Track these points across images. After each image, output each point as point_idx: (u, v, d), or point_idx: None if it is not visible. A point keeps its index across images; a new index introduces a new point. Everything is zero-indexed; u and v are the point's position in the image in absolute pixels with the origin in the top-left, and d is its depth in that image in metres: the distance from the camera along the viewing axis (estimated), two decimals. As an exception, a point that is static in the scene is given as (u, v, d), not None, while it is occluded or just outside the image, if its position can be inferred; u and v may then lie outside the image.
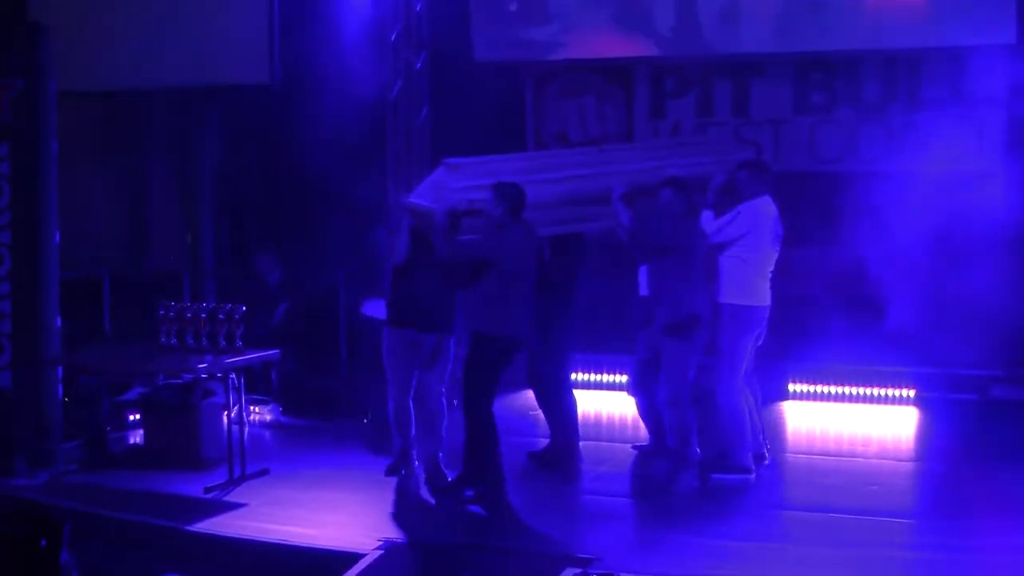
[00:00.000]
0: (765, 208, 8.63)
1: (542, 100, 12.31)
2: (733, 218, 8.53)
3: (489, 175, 8.24)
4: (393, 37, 12.02)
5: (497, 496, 8.06)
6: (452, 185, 8.15)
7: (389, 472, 8.76)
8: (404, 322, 8.50)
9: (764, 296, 8.63)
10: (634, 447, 9.44)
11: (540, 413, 9.30)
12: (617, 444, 9.71)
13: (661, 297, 8.55)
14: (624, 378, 11.20)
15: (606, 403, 11.10)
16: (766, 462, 8.89)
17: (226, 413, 9.10)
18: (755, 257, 8.57)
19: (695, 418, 8.68)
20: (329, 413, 10.82)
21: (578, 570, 6.63)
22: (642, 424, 9.33)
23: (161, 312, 9.33)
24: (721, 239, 8.54)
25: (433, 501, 8.32)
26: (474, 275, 8.05)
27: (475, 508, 8.06)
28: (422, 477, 8.64)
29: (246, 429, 9.12)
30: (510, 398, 10.74)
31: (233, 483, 8.72)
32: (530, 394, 9.43)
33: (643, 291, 8.91)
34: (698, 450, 8.77)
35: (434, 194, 8.24)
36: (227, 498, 8.48)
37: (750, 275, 8.57)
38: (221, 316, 9.11)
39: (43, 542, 3.77)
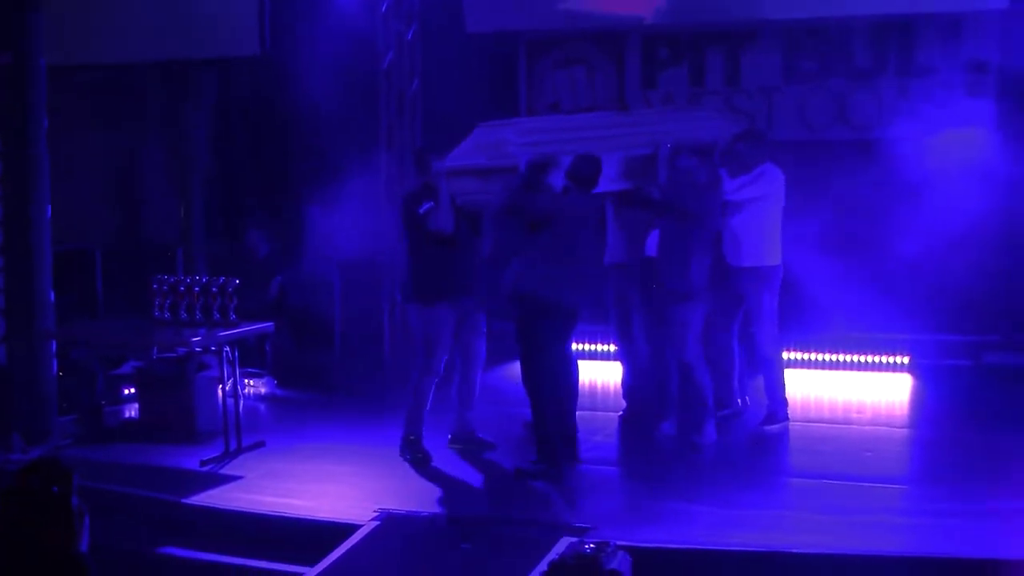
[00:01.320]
0: (779, 172, 8.99)
1: (535, 71, 12.27)
2: (756, 178, 8.82)
3: (542, 131, 8.23)
4: (384, 7, 11.96)
5: (555, 469, 8.02)
6: (515, 140, 8.06)
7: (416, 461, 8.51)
8: (458, 294, 8.41)
9: (780, 254, 9.04)
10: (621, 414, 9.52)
11: None
12: (611, 413, 9.71)
13: (673, 261, 8.59)
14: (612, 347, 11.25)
15: (596, 373, 11.09)
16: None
17: (221, 386, 9.10)
18: (777, 218, 8.95)
19: (709, 377, 8.84)
20: (324, 386, 10.83)
21: (575, 539, 6.64)
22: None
23: (155, 286, 9.32)
24: (740, 197, 8.79)
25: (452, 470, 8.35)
26: (534, 233, 7.90)
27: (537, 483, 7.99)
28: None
29: (241, 402, 9.11)
30: (508, 367, 10.76)
31: (229, 456, 8.74)
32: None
33: (650, 252, 8.93)
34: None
35: (492, 152, 8.13)
36: (223, 471, 8.49)
37: (775, 235, 8.95)
38: (214, 289, 9.11)
39: (55, 489, 3.96)
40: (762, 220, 8.90)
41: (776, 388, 9.19)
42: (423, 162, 8.48)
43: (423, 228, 8.31)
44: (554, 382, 8.09)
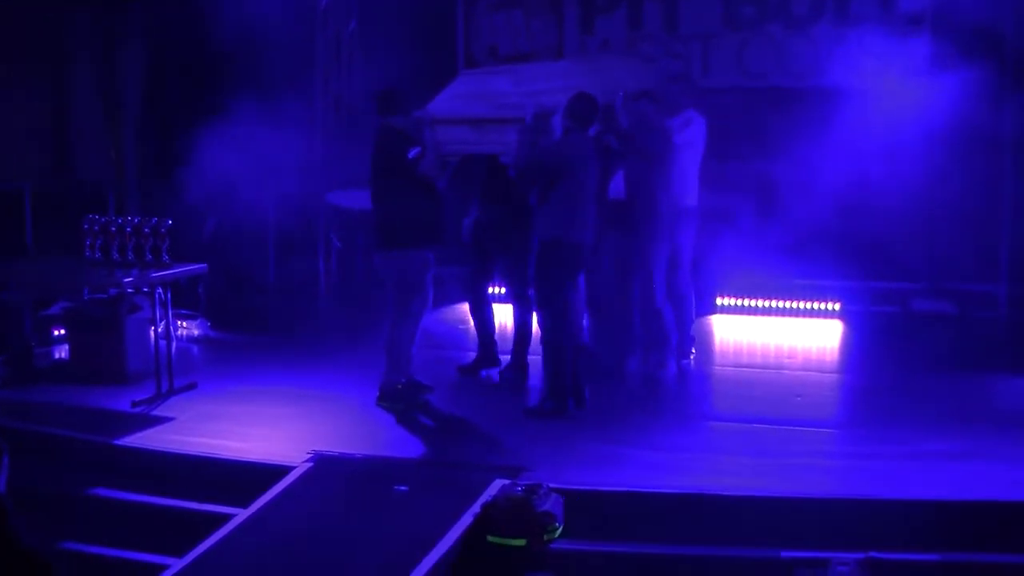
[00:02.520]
0: (702, 119, 9.12)
1: (472, 13, 12.18)
2: (686, 123, 9.00)
3: (536, 80, 8.25)
4: (321, -54, 11.84)
5: (559, 407, 8.18)
6: (515, 91, 8.06)
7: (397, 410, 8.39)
8: (437, 240, 8.37)
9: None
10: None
11: (470, 326, 9.38)
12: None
13: (640, 202, 8.74)
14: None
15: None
16: None
17: (153, 328, 9.03)
18: (698, 162, 9.10)
19: (672, 316, 9.09)
20: (258, 328, 10.77)
21: (507, 481, 6.68)
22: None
23: (86, 226, 9.20)
24: (680, 141, 8.92)
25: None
26: (550, 182, 7.96)
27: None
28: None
29: (173, 344, 9.07)
30: (443, 311, 10.76)
31: (160, 397, 8.69)
32: (461, 307, 9.47)
33: (612, 195, 8.99)
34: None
35: (491, 103, 8.08)
36: (154, 412, 8.45)
37: (695, 178, 9.11)
38: (147, 230, 9.02)
39: None
40: (692, 164, 9.08)
41: (690, 323, 9.42)
42: (390, 105, 8.33)
43: (411, 173, 8.19)
44: (571, 321, 8.21)
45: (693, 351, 9.47)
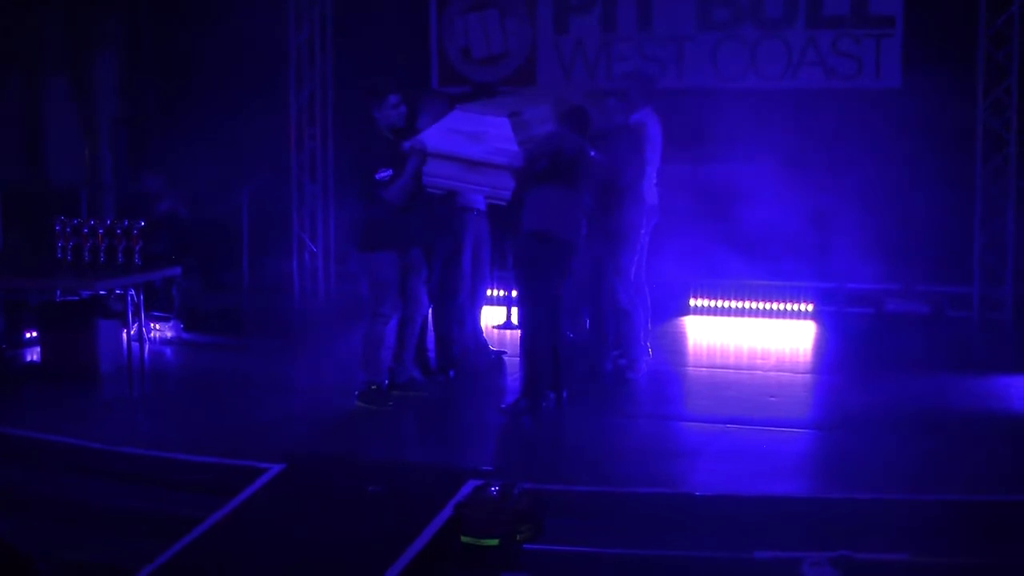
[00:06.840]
0: (657, 119, 9.15)
1: (445, 13, 12.17)
2: (643, 123, 8.90)
3: (524, 127, 8.34)
4: (293, -53, 11.82)
5: (533, 407, 8.13)
6: (506, 135, 8.12)
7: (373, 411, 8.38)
8: (405, 245, 8.34)
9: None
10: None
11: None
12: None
13: (606, 202, 8.72)
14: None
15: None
16: None
17: (125, 330, 9.00)
18: (657, 161, 9.07)
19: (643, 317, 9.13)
20: (231, 330, 10.74)
21: (480, 482, 6.69)
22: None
23: (57, 227, 9.15)
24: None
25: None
26: (544, 173, 8.03)
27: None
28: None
29: (146, 346, 9.03)
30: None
31: (132, 399, 8.65)
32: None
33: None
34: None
35: (489, 148, 8.11)
36: (126, 414, 8.40)
37: (655, 177, 9.09)
38: (119, 231, 8.97)
39: None
40: (651, 163, 9.07)
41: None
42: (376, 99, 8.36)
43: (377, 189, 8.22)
44: (556, 320, 8.22)
45: (650, 348, 9.45)
